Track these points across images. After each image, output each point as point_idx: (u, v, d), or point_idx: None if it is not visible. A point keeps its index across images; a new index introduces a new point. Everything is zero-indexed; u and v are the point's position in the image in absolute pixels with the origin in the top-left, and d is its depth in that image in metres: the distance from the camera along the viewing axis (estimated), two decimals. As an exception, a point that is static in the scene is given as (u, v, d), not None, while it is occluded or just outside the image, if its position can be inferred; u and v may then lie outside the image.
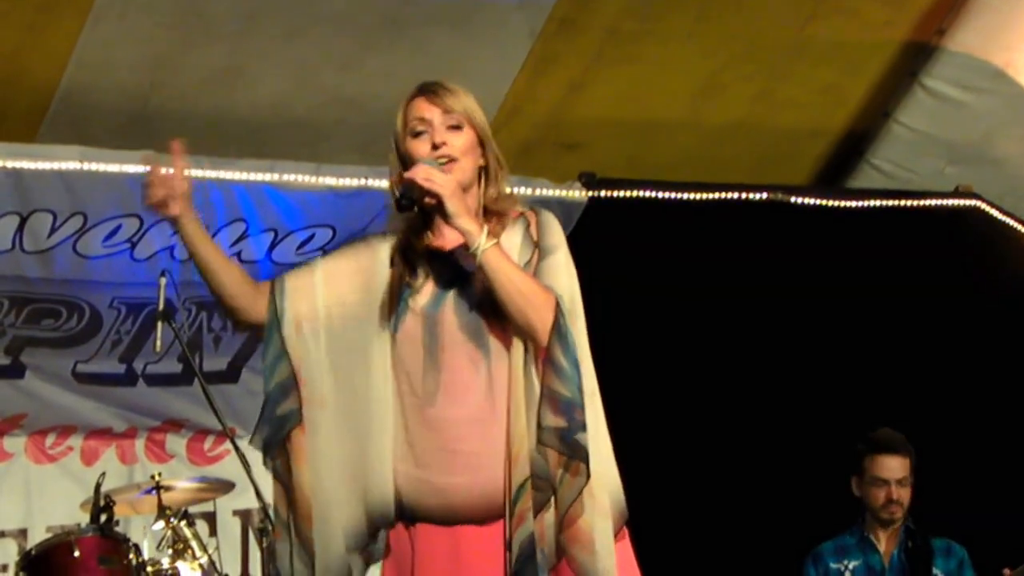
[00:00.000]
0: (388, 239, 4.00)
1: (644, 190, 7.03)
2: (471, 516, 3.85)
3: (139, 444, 7.11)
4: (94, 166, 6.23)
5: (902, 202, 7.48)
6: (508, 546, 3.78)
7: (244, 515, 7.17)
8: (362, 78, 6.55)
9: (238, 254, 6.55)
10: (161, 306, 6.19)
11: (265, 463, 3.99)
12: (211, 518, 7.02)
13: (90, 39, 6.23)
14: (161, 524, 6.07)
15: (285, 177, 6.36)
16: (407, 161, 3.89)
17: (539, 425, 3.78)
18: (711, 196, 7.14)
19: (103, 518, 5.86)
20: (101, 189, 6.29)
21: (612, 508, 3.89)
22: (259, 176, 6.34)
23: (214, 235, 6.44)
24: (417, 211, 3.86)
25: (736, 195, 7.18)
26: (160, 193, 3.91)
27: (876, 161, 7.69)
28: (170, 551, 6.01)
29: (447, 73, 6.60)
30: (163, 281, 6.19)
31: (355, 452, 3.93)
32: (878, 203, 7.43)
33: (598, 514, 3.84)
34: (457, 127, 3.90)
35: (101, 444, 7.07)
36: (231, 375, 7.08)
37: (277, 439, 3.96)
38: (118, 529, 6.02)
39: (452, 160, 3.87)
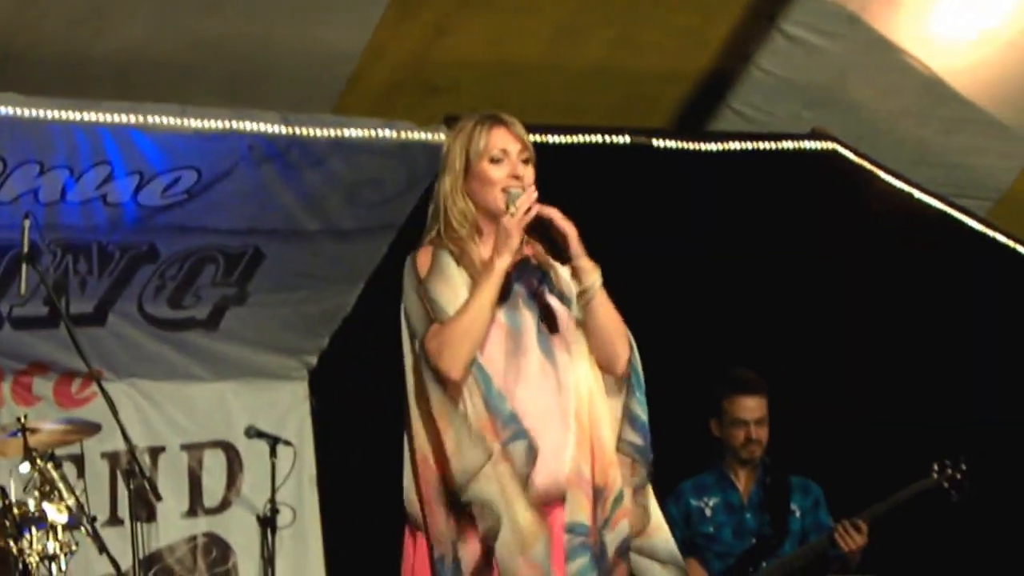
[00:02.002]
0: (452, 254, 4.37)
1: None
2: (559, 501, 4.26)
3: (5, 387, 7.05)
4: (-46, 110, 6.18)
5: (761, 145, 7.56)
6: (601, 547, 4.28)
7: (112, 457, 7.17)
8: (225, 20, 6.50)
9: (103, 197, 6.53)
10: (25, 248, 6.17)
11: None
12: (79, 460, 6.97)
13: (-50, -18, 6.18)
14: (27, 466, 6.03)
15: (150, 119, 6.31)
16: (479, 180, 4.33)
17: (620, 438, 4.38)
18: (574, 139, 7.20)
19: (-32, 461, 5.86)
20: (-38, 133, 6.25)
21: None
22: (123, 118, 6.30)
23: (79, 178, 6.44)
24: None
25: (599, 138, 7.25)
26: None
27: (736, 105, 7.75)
28: (37, 493, 5.97)
29: (311, 15, 6.65)
30: (27, 223, 6.17)
31: None
32: (737, 146, 7.51)
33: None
34: (526, 162, 4.35)
35: (-34, 387, 7.05)
36: (98, 318, 7.05)
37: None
38: (-17, 472, 6.01)
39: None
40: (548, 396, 4.27)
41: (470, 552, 4.20)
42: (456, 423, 4.20)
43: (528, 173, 4.35)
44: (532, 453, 4.21)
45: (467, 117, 4.45)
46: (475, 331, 4.20)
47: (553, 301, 4.35)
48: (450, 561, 4.22)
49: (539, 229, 4.29)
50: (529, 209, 4.24)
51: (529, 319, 4.30)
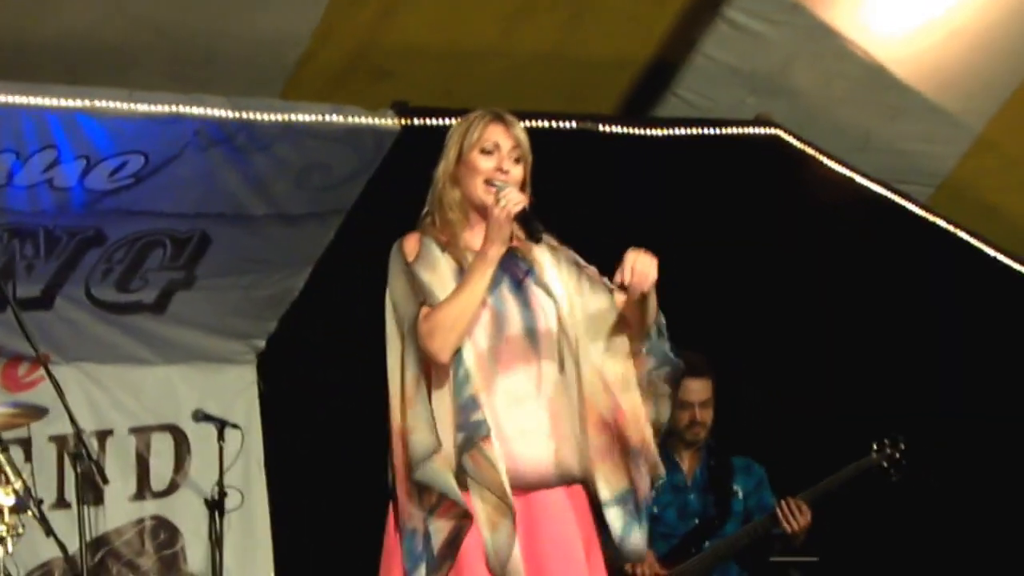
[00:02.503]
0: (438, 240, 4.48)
1: (456, 118, 7.04)
2: (542, 484, 4.37)
3: (-48, 371, 7.09)
4: (-97, 93, 6.17)
5: (705, 131, 7.60)
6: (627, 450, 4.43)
7: (59, 441, 7.16)
8: (172, 3, 6.50)
9: (50, 181, 6.52)
10: (-28, 233, 6.18)
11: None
12: (26, 444, 7.00)
13: None
14: (-27, 450, 6.05)
15: (97, 103, 6.31)
16: (467, 168, 4.46)
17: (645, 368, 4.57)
18: (521, 124, 7.21)
19: (-85, 444, 5.83)
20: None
21: None
22: (70, 102, 6.29)
23: (25, 162, 6.43)
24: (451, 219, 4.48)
25: (545, 123, 7.28)
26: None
27: (681, 91, 7.76)
28: (-17, 476, 6.00)
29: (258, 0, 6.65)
30: (-27, 208, 6.18)
31: None
32: (682, 132, 7.54)
33: None
34: (518, 160, 4.49)
35: (-86, 371, 7.03)
36: (45, 302, 7.05)
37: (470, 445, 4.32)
38: (-70, 455, 5.98)
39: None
40: (529, 383, 4.37)
41: (441, 527, 4.27)
42: (420, 404, 4.28)
43: (517, 171, 4.47)
44: (469, 445, 4.29)
45: (473, 111, 4.58)
46: (465, 317, 4.29)
47: (539, 293, 4.46)
48: (421, 535, 4.29)
49: (522, 218, 4.39)
50: (518, 203, 4.35)
51: (513, 306, 4.41)
